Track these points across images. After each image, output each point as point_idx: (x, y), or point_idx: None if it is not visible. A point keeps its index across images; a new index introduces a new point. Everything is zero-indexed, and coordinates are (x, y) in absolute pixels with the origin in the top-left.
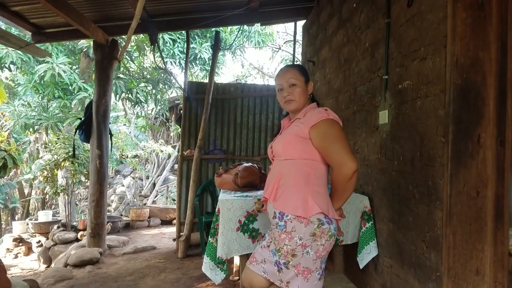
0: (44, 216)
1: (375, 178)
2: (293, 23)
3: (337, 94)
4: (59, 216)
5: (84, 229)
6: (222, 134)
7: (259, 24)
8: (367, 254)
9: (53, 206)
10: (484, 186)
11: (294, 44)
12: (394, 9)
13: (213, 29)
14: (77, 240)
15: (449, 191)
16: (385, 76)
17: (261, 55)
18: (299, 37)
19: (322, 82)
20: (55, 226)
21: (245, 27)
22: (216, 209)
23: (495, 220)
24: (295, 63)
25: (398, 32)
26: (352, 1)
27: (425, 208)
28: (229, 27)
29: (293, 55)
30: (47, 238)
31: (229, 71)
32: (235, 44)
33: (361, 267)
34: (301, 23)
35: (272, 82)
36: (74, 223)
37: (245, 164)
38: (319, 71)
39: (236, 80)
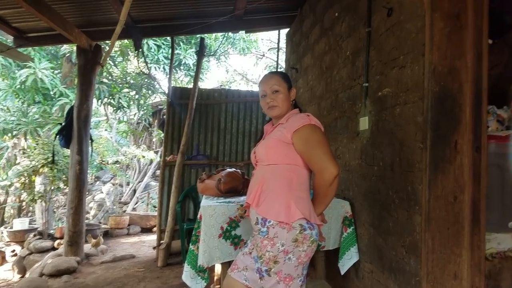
0: (20, 224)
1: (356, 183)
2: (277, 31)
3: (319, 101)
4: (35, 224)
5: (61, 237)
6: (206, 139)
7: (244, 31)
8: (348, 260)
9: (29, 214)
10: (461, 191)
11: (278, 51)
12: (375, 19)
13: (198, 35)
14: (53, 248)
15: (428, 196)
16: (365, 83)
17: (245, 62)
18: (283, 44)
19: (304, 88)
20: (31, 234)
21: (230, 33)
22: (198, 216)
23: (472, 225)
24: (279, 70)
25: (378, 41)
26: (334, 11)
27: (404, 213)
28: (214, 34)
29: (277, 62)
30: (23, 247)
31: (213, 77)
32: (220, 50)
33: (342, 273)
34: (284, 31)
35: (256, 88)
36: (51, 231)
37: (228, 170)
38: (302, 78)
39: (220, 85)
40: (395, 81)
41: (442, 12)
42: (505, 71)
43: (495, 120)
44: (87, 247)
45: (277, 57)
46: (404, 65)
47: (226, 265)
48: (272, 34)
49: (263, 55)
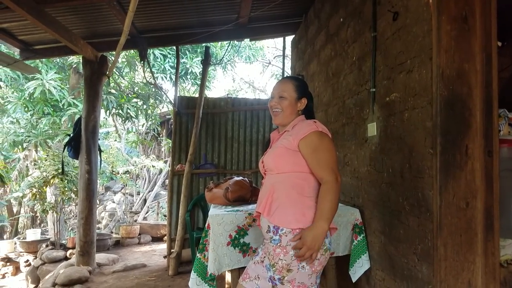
0: (33, 234)
1: (365, 190)
2: (282, 38)
3: (326, 107)
4: (48, 234)
5: (73, 247)
6: (213, 148)
7: (249, 39)
8: (359, 268)
9: (42, 224)
10: (473, 197)
11: (284, 59)
12: (380, 23)
13: (203, 44)
14: (66, 258)
15: (439, 203)
16: (372, 89)
17: (251, 70)
18: (289, 51)
19: None
20: (44, 245)
21: (236, 41)
22: (206, 225)
23: (485, 231)
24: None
25: (384, 46)
26: (339, 16)
27: (415, 220)
28: (220, 42)
29: (283, 69)
30: (36, 257)
31: (220, 86)
32: (226, 58)
33: (353, 280)
34: (290, 38)
35: (263, 96)
36: (63, 241)
37: (236, 178)
38: (308, 84)
39: (227, 94)
40: (402, 85)
41: (449, 15)
42: None
43: (507, 123)
44: (98, 257)
45: (283, 65)
46: (412, 69)
47: (236, 271)
48: (278, 42)
49: (269, 63)
